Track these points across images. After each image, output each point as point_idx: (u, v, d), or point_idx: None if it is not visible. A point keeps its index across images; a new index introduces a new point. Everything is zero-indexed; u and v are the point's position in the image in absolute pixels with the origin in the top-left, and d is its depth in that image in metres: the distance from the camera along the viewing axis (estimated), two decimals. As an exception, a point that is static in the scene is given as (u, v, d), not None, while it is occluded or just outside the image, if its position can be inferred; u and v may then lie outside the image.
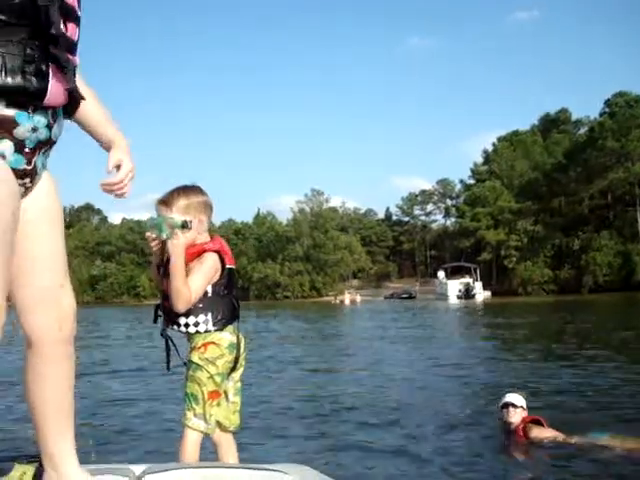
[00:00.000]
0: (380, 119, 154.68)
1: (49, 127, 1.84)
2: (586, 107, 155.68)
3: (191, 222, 3.15)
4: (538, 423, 6.06)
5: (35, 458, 2.15)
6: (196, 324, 3.17)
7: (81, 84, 2.05)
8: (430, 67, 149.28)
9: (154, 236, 3.16)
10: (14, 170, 1.80)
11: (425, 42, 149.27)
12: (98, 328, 29.05)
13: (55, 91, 1.78)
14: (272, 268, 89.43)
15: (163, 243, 3.17)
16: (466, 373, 10.78)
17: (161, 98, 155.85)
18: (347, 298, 67.23)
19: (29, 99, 1.75)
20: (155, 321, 3.30)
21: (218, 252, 3.22)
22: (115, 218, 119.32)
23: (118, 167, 2.19)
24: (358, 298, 69.44)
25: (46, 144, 1.88)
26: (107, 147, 2.22)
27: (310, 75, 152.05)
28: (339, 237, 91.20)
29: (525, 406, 6.19)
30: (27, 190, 1.91)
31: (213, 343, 3.15)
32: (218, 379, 3.15)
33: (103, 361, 14.15)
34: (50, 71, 1.75)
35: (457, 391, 9.19)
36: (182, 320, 3.18)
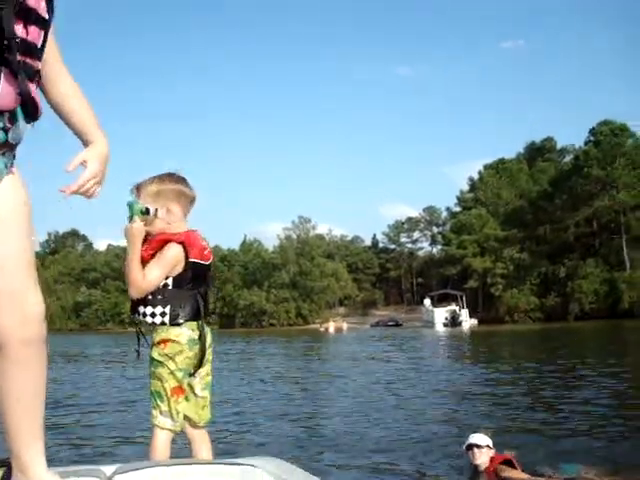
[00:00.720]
0: (367, 147, 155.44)
1: (4, 130, 1.83)
2: (571, 136, 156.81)
3: (157, 210, 3.11)
4: (509, 463, 5.81)
5: (3, 461, 2.13)
6: (153, 315, 3.13)
7: (64, 79, 2.12)
8: (417, 95, 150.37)
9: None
10: None
11: (412, 70, 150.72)
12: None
13: (4, 95, 1.77)
14: (258, 295, 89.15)
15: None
16: (439, 408, 10.64)
17: (146, 120, 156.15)
18: (331, 326, 66.83)
19: None
20: (130, 310, 3.27)
21: (182, 244, 3.12)
22: (100, 244, 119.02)
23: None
24: (345, 326, 69.23)
25: (4, 147, 1.87)
26: (86, 145, 2.19)
27: (298, 102, 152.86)
28: (325, 264, 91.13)
29: (491, 445, 5.96)
30: None
31: (171, 340, 3.10)
32: (179, 375, 3.11)
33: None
34: (1, 75, 1.75)
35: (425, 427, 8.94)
36: (141, 309, 3.16)
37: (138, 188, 3.17)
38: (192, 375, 3.16)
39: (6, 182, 1.96)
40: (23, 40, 1.81)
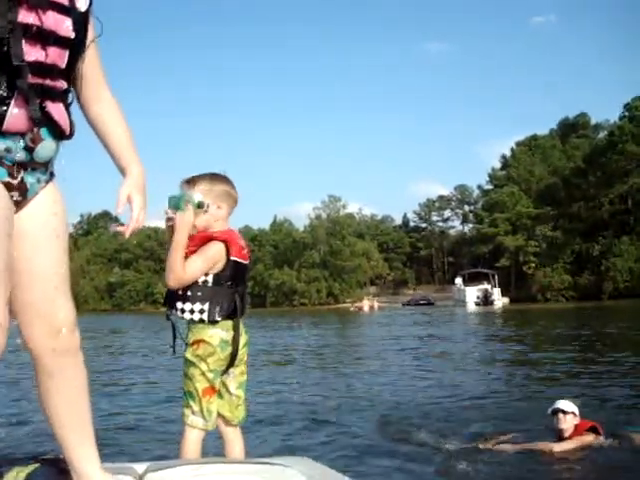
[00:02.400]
0: (397, 125, 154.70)
1: (28, 150, 1.87)
2: (605, 111, 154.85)
3: (208, 205, 3.18)
4: (594, 430, 5.98)
5: (34, 459, 2.21)
6: (191, 311, 3.15)
7: (101, 99, 2.16)
8: (447, 72, 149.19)
9: (171, 214, 3.16)
10: None
11: (442, 47, 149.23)
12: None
13: (16, 118, 1.81)
14: (289, 275, 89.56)
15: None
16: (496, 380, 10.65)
17: (177, 106, 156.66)
18: (366, 305, 66.83)
19: None
20: (164, 304, 3.32)
21: (225, 242, 3.17)
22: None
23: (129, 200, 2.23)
24: (376, 305, 69.26)
25: (31, 164, 1.92)
26: (122, 172, 2.25)
27: (328, 81, 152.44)
28: (356, 243, 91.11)
29: (577, 412, 6.04)
30: (18, 204, 1.95)
31: (204, 341, 3.13)
32: (210, 375, 3.14)
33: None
34: (13, 99, 1.79)
35: (482, 399, 9.05)
36: (179, 305, 3.18)
37: (190, 182, 3.23)
38: (225, 373, 3.20)
39: (41, 197, 2.02)
40: (39, 63, 1.83)
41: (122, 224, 2.26)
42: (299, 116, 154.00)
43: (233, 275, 3.20)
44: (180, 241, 3.09)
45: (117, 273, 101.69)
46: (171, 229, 3.20)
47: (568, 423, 5.94)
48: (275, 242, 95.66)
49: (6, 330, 1.82)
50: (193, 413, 3.15)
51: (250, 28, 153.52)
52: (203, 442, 3.16)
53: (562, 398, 6.31)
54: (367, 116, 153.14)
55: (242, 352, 3.22)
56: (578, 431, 5.92)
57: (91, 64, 2.06)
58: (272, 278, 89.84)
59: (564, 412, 5.95)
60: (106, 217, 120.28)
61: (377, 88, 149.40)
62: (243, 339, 3.23)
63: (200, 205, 3.15)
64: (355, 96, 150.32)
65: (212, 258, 3.14)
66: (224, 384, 3.21)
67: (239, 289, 3.22)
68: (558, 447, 5.87)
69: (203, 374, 3.13)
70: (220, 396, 3.20)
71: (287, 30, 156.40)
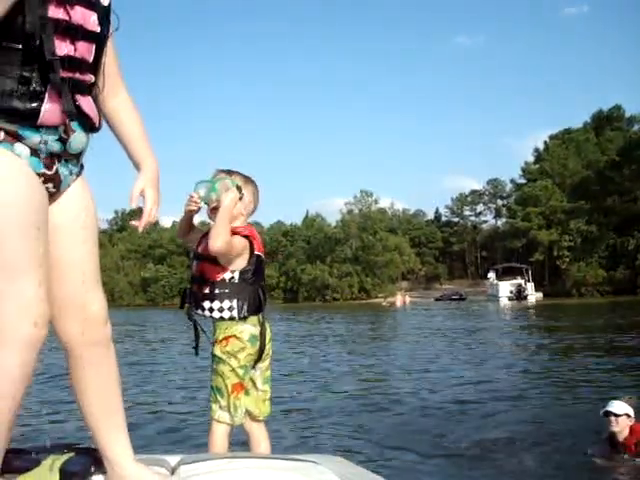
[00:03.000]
0: (429, 119, 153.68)
1: (62, 141, 1.92)
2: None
3: (244, 194, 3.25)
4: None
5: (69, 448, 2.24)
6: (220, 309, 3.17)
7: (117, 93, 2.20)
8: (479, 66, 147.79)
9: (197, 196, 3.22)
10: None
11: (474, 40, 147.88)
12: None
13: (50, 112, 1.85)
14: (321, 270, 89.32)
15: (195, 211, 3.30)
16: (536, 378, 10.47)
17: (212, 99, 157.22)
18: (398, 299, 66.49)
19: (22, 119, 1.83)
20: (182, 306, 3.33)
21: (248, 237, 3.22)
22: (166, 221, 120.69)
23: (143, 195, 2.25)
24: (407, 300, 68.89)
25: (65, 155, 1.97)
26: (136, 167, 2.27)
27: (361, 74, 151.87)
28: (388, 238, 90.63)
29: (631, 413, 5.69)
30: (52, 196, 1.99)
31: (234, 336, 3.16)
32: (240, 372, 3.17)
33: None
34: (47, 94, 1.83)
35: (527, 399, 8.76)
36: (207, 304, 3.20)
37: (225, 172, 3.30)
38: (253, 368, 3.22)
39: (72, 189, 2.07)
40: (69, 57, 1.88)
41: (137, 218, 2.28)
42: (332, 111, 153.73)
43: (256, 270, 3.22)
44: (227, 216, 3.13)
45: (151, 269, 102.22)
46: (190, 215, 3.32)
47: (621, 425, 5.61)
48: (307, 237, 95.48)
49: (47, 321, 1.86)
50: (220, 408, 3.19)
51: (279, 23, 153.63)
52: (229, 437, 3.22)
53: (615, 398, 5.93)
54: (400, 110, 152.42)
55: (268, 346, 3.26)
56: (635, 436, 5.57)
57: (109, 58, 2.10)
58: (304, 273, 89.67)
59: (616, 415, 5.61)
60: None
61: (410, 82, 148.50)
62: (268, 333, 3.27)
63: (239, 188, 3.21)
64: (388, 90, 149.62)
65: (238, 247, 3.17)
66: (252, 380, 3.25)
67: (262, 284, 3.26)
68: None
69: (233, 370, 3.16)
70: (247, 392, 3.22)
71: (319, 21, 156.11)
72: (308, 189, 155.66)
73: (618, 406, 5.67)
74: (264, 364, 3.26)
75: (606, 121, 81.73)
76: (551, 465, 5.54)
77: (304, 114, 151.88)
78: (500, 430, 6.64)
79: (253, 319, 3.20)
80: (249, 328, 3.19)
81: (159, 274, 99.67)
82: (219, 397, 3.19)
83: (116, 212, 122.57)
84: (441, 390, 9.22)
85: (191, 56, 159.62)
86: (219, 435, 3.19)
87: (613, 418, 5.65)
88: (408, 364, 12.79)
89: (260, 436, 3.28)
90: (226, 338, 3.17)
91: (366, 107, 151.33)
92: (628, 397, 5.95)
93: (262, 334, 3.21)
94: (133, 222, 2.29)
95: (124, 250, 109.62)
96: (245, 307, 3.17)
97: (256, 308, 3.21)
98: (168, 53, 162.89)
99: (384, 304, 67.26)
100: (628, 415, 5.67)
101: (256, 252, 3.23)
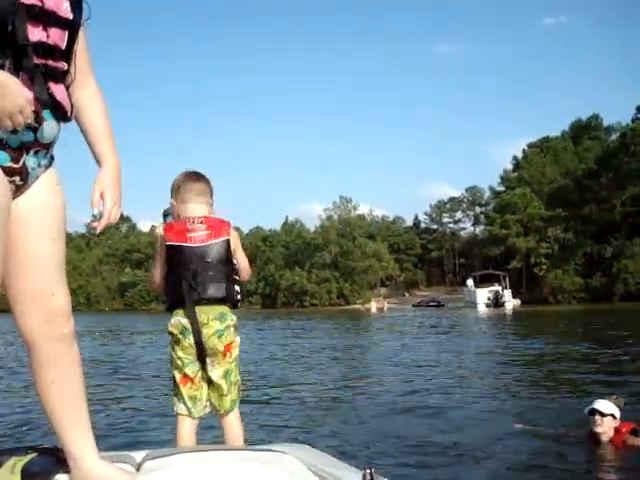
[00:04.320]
0: (408, 126, 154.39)
1: (32, 130, 1.85)
2: (618, 113, 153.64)
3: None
4: (635, 432, 5.45)
5: (32, 449, 2.18)
6: (163, 302, 3.30)
7: (85, 84, 2.14)
8: (458, 73, 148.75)
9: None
10: (0, 167, 1.83)
11: (453, 48, 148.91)
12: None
13: None
14: (300, 275, 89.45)
15: None
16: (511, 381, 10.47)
17: (191, 104, 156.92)
18: (373, 306, 66.92)
19: None
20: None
21: (165, 231, 3.25)
22: (144, 226, 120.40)
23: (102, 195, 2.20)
24: (386, 306, 69.15)
25: (35, 145, 1.90)
26: (98, 163, 2.22)
27: (338, 82, 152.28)
28: (367, 244, 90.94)
29: (617, 414, 5.50)
30: (19, 189, 1.93)
31: (170, 327, 3.19)
32: (179, 363, 3.16)
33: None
34: (19, 80, 1.75)
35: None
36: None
37: (191, 176, 3.38)
38: (202, 362, 3.17)
39: (40, 182, 2.01)
40: (42, 43, 1.84)
41: (96, 218, 2.18)
42: (311, 117, 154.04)
43: (170, 261, 3.22)
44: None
45: (129, 273, 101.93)
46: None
47: (605, 426, 5.42)
48: (286, 243, 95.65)
49: None
50: (179, 401, 3.18)
51: (266, 27, 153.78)
52: (203, 430, 3.21)
53: (601, 396, 5.75)
54: (378, 117, 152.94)
55: (213, 342, 3.14)
56: (620, 435, 5.39)
57: (80, 48, 2.04)
58: (283, 279, 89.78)
59: (601, 414, 5.42)
60: (119, 218, 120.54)
61: (388, 90, 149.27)
62: (211, 328, 3.14)
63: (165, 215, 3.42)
64: (366, 98, 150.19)
65: (156, 245, 3.33)
66: (207, 374, 3.19)
67: (185, 275, 3.15)
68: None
69: (175, 361, 3.18)
70: (198, 386, 3.18)
71: (300, 29, 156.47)
72: (287, 195, 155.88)
73: (604, 405, 5.48)
74: (216, 359, 3.16)
75: (584, 130, 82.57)
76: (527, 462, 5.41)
77: (284, 120, 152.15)
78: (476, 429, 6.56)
79: (179, 312, 3.15)
80: (177, 321, 3.15)
81: (137, 278, 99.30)
82: (175, 389, 3.20)
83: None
84: (414, 389, 9.19)
85: (172, 53, 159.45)
86: (183, 428, 3.16)
87: (598, 417, 5.46)
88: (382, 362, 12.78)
89: (229, 429, 3.22)
90: (169, 330, 3.21)
91: (346, 114, 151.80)
92: (614, 397, 5.72)
93: (195, 328, 3.12)
94: (93, 223, 2.19)
95: (101, 254, 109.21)
96: (168, 299, 3.21)
97: (179, 300, 3.15)
98: (147, 50, 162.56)
99: (362, 310, 67.45)
100: (614, 416, 5.48)
101: (167, 243, 3.20)
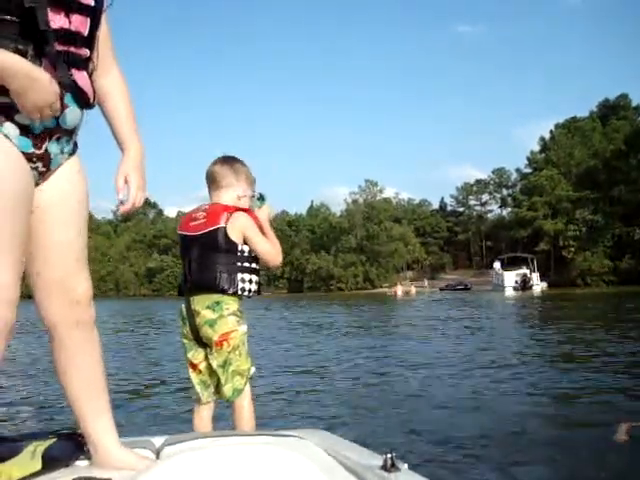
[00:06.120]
0: (435, 109, 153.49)
1: (55, 116, 1.85)
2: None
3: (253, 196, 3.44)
4: None
5: (52, 434, 2.19)
6: None
7: (108, 71, 2.14)
8: (484, 54, 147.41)
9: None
10: (22, 153, 1.83)
11: (477, 28, 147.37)
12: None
13: None
14: (326, 260, 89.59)
15: None
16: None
17: (212, 90, 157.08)
18: (400, 290, 66.78)
19: None
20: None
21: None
22: (171, 211, 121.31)
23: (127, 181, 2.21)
24: (413, 290, 69.04)
25: (57, 132, 1.90)
26: (121, 149, 2.23)
27: (363, 66, 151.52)
28: (393, 228, 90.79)
29: None
30: (41, 175, 1.94)
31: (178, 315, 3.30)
32: (183, 349, 3.27)
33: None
34: (42, 66, 1.76)
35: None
36: None
37: (227, 160, 3.38)
38: (203, 348, 3.21)
39: (63, 169, 2.01)
40: (64, 30, 1.84)
41: (122, 203, 2.20)
42: (337, 101, 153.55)
43: (181, 249, 3.33)
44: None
45: (156, 259, 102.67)
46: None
47: None
48: (312, 227, 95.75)
49: (16, 306, 1.80)
50: (192, 387, 3.28)
51: (282, 9, 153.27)
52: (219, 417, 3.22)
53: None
54: (405, 100, 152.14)
55: (205, 331, 3.15)
56: None
57: (102, 35, 2.04)
58: (309, 263, 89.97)
59: None
60: (145, 204, 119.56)
61: (416, 72, 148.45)
62: (202, 318, 3.14)
63: (262, 198, 3.41)
64: (393, 80, 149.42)
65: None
66: (209, 361, 3.22)
67: (188, 261, 3.24)
68: None
69: (183, 345, 3.28)
70: (200, 372, 3.24)
71: (324, 13, 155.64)
72: (313, 179, 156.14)
73: None
74: (214, 349, 3.15)
75: (612, 110, 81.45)
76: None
77: (308, 104, 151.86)
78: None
79: (185, 299, 3.23)
80: (181, 308, 3.24)
81: (164, 264, 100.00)
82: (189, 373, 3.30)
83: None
84: (443, 377, 9.04)
85: (190, 40, 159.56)
86: (197, 413, 3.26)
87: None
88: (409, 352, 12.68)
89: (237, 417, 3.23)
90: None
91: (371, 97, 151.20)
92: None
93: (189, 317, 3.18)
94: (120, 208, 2.21)
95: (129, 240, 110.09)
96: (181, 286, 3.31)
97: (182, 288, 3.27)
98: (164, 38, 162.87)
99: (389, 294, 67.41)
100: None
101: (178, 231, 3.33)
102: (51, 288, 2.00)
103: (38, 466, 1.97)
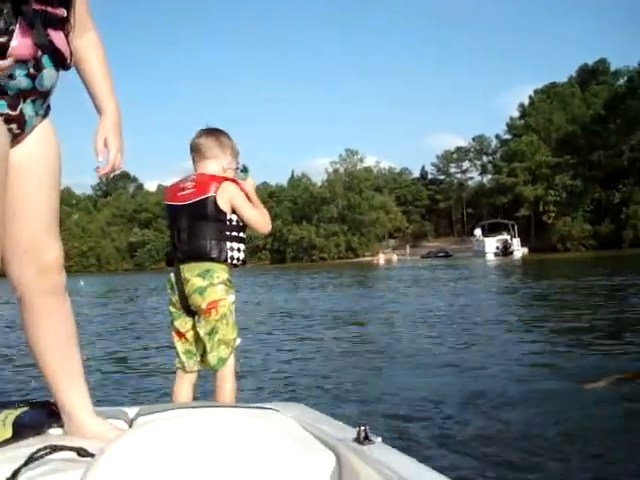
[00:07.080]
0: (412, 77, 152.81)
1: (30, 77, 1.83)
2: (625, 57, 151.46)
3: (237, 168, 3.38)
4: None
5: (24, 402, 2.18)
6: None
7: (84, 32, 2.12)
8: (464, 21, 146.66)
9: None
10: None
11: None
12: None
13: (20, 45, 1.75)
14: (307, 230, 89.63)
15: None
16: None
17: (200, 62, 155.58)
18: (382, 258, 67.29)
19: None
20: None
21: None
22: (151, 185, 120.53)
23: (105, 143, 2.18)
24: (394, 257, 69.40)
25: (33, 93, 1.88)
26: (99, 111, 2.20)
27: (345, 31, 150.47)
28: (374, 197, 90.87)
29: None
30: (15, 137, 1.92)
31: (166, 283, 3.29)
32: (170, 317, 3.26)
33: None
34: (17, 25, 1.74)
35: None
36: None
37: (211, 132, 3.34)
38: (191, 318, 3.21)
39: (36, 131, 1.99)
40: None
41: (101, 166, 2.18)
42: (316, 70, 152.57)
43: (167, 219, 3.32)
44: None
45: (137, 233, 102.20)
46: None
47: None
48: (293, 198, 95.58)
49: None
50: (176, 355, 3.28)
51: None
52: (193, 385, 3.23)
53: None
54: (384, 68, 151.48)
55: (195, 298, 3.14)
56: None
57: None
58: (291, 233, 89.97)
59: None
60: (125, 178, 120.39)
61: (394, 38, 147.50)
62: (192, 285, 3.14)
63: (246, 169, 3.36)
64: (371, 47, 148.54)
65: None
66: (196, 329, 3.22)
67: (177, 232, 3.23)
68: None
69: (170, 315, 3.28)
70: (185, 340, 3.25)
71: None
72: (293, 149, 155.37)
73: None
74: (202, 316, 3.15)
75: (591, 75, 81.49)
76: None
77: (289, 74, 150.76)
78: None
79: (175, 268, 3.23)
80: (170, 276, 3.23)
81: (145, 238, 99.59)
82: (174, 343, 3.30)
83: (100, 177, 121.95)
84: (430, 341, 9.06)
85: (177, 16, 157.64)
86: (179, 382, 3.25)
87: None
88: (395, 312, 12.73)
89: (219, 387, 3.21)
90: None
91: (350, 66, 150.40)
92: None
93: (179, 285, 3.17)
94: (98, 171, 2.19)
95: (109, 215, 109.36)
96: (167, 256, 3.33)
97: (170, 257, 3.26)
98: (155, 16, 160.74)
99: (373, 262, 67.72)
100: None
101: (164, 202, 3.33)
102: (21, 252, 1.98)
103: (8, 434, 1.96)
